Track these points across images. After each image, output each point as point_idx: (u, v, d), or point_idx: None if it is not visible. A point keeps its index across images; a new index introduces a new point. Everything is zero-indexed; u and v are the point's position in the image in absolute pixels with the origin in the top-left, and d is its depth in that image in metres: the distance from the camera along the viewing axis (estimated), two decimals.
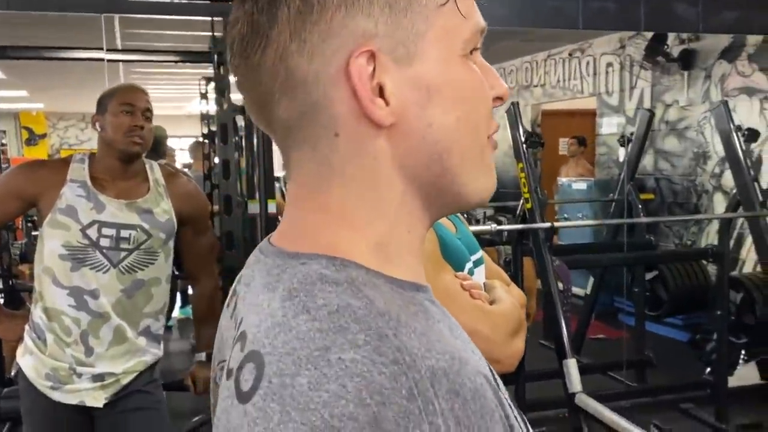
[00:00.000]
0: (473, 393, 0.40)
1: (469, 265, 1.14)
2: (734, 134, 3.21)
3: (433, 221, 0.51)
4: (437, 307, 0.47)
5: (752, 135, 4.45)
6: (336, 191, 0.48)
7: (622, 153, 5.72)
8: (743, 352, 3.87)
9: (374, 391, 0.38)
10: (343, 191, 0.48)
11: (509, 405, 0.44)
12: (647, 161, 5.57)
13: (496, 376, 0.45)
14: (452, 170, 0.48)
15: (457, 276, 1.07)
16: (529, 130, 3.53)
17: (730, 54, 4.90)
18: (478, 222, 4.84)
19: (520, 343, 1.06)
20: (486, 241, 3.54)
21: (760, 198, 3.40)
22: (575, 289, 4.78)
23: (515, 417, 0.44)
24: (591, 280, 4.79)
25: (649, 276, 4.39)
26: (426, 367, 0.39)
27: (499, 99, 0.51)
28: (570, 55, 6.79)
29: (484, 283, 1.13)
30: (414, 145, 0.47)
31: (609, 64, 6.24)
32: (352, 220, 0.48)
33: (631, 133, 5.48)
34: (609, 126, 6.26)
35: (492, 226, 2.92)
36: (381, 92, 0.46)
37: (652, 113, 5.21)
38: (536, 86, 7.41)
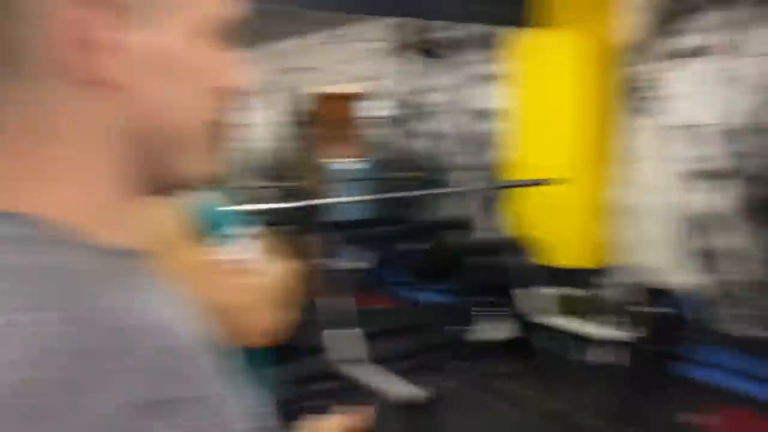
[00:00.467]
0: (171, 350, 0.38)
1: (229, 238, 1.13)
2: (471, 116, 3.59)
3: (152, 194, 0.48)
4: (147, 275, 0.44)
5: (486, 116, 5.05)
6: (42, 144, 0.42)
7: (386, 135, 6.13)
8: (490, 310, 4.44)
9: (53, 352, 0.34)
10: (50, 146, 0.42)
11: (229, 376, 0.43)
12: (409, 142, 6.03)
13: (212, 344, 0.43)
14: (171, 147, 0.45)
15: (211, 251, 1.05)
16: (303, 113, 3.63)
17: (472, 43, 5.49)
18: (256, 202, 4.87)
19: (275, 316, 1.06)
20: (266, 221, 3.59)
21: (493, 172, 3.87)
22: (352, 264, 5.05)
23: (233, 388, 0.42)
24: (366, 254, 5.09)
25: (416, 247, 4.79)
26: (117, 327, 0.37)
27: (230, 89, 0.48)
28: (336, 40, 7.04)
29: (250, 258, 1.12)
30: (135, 113, 0.43)
31: (372, 51, 6.60)
32: (58, 177, 0.42)
33: (394, 116, 5.89)
34: (374, 109, 6.65)
35: (267, 206, 2.98)
36: (110, 50, 0.41)
37: (409, 97, 5.66)
38: (308, 69, 7.56)
